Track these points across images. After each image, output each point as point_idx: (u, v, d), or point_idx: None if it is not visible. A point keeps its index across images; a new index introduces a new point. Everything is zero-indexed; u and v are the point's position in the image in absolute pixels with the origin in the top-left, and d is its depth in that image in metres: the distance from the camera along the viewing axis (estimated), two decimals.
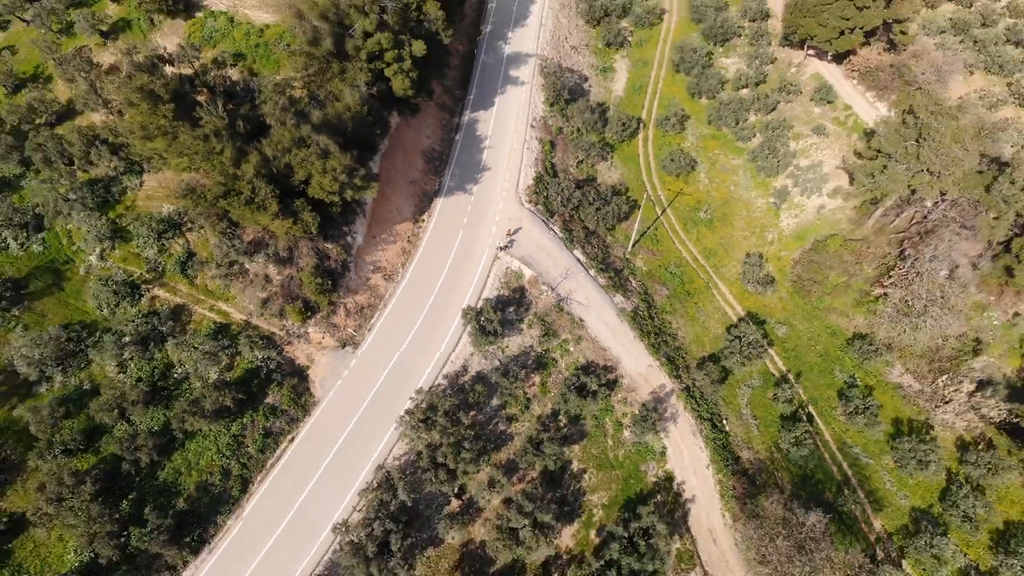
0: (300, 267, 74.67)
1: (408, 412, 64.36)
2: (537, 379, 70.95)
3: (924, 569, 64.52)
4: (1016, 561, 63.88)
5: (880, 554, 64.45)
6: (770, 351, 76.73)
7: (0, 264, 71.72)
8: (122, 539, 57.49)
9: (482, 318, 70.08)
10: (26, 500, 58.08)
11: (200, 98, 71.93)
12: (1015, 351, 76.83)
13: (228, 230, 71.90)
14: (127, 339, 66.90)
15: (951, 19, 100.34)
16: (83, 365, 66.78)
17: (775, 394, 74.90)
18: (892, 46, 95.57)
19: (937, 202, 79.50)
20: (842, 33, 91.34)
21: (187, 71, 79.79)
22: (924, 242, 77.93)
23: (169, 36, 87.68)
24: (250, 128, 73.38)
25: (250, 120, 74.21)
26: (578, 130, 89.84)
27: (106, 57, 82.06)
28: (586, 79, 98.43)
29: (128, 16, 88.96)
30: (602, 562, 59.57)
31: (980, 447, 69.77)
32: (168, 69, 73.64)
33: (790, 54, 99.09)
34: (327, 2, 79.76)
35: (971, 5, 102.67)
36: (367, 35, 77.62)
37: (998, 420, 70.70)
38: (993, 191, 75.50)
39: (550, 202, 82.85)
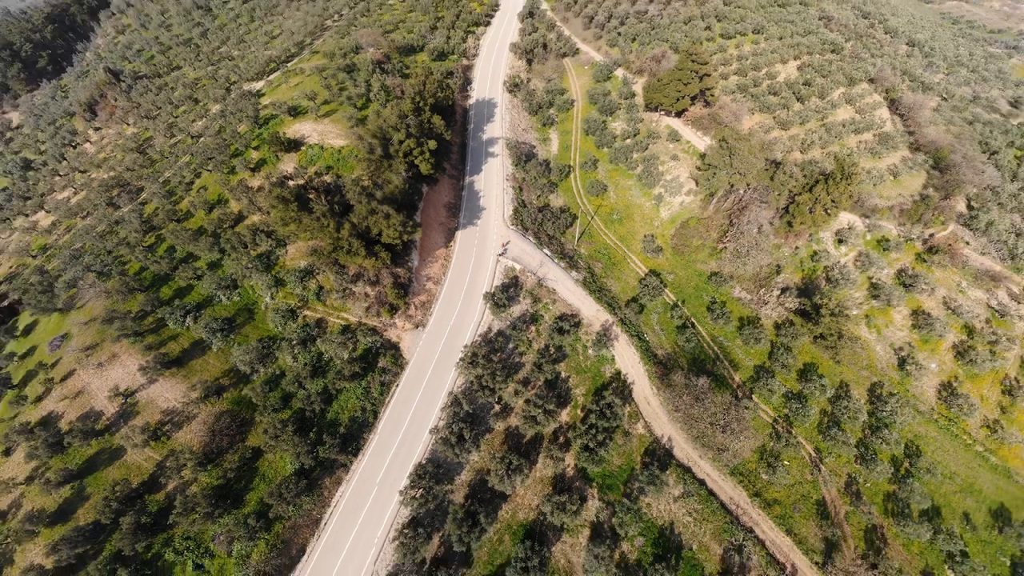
0: (384, 285, 74.77)
1: (461, 359, 65.37)
2: (533, 328, 72.33)
3: (764, 397, 67.79)
4: (811, 383, 67.27)
5: (740, 394, 67.59)
6: (665, 290, 78.35)
7: (219, 311, 72.50)
8: (314, 453, 58.79)
9: (495, 297, 71.74)
10: (258, 439, 60.53)
11: (310, 195, 72.71)
12: (798, 269, 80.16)
13: (339, 270, 72.82)
14: (294, 342, 68.19)
15: (737, 84, 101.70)
16: (273, 360, 68.00)
17: (671, 314, 76.40)
18: (707, 103, 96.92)
19: (746, 189, 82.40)
20: (677, 100, 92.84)
21: (300, 181, 79.39)
22: (742, 214, 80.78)
23: (288, 163, 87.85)
24: (341, 208, 74.81)
25: (341, 204, 75.62)
26: (534, 178, 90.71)
27: (255, 182, 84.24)
28: (534, 147, 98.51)
29: (264, 157, 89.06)
30: (586, 425, 61.30)
31: (786, 325, 72.81)
32: (290, 182, 75.91)
33: (650, 116, 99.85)
34: (375, 128, 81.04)
35: (747, 75, 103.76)
36: (400, 142, 79.46)
37: (794, 308, 74.02)
38: (775, 179, 79.28)
39: (525, 222, 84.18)
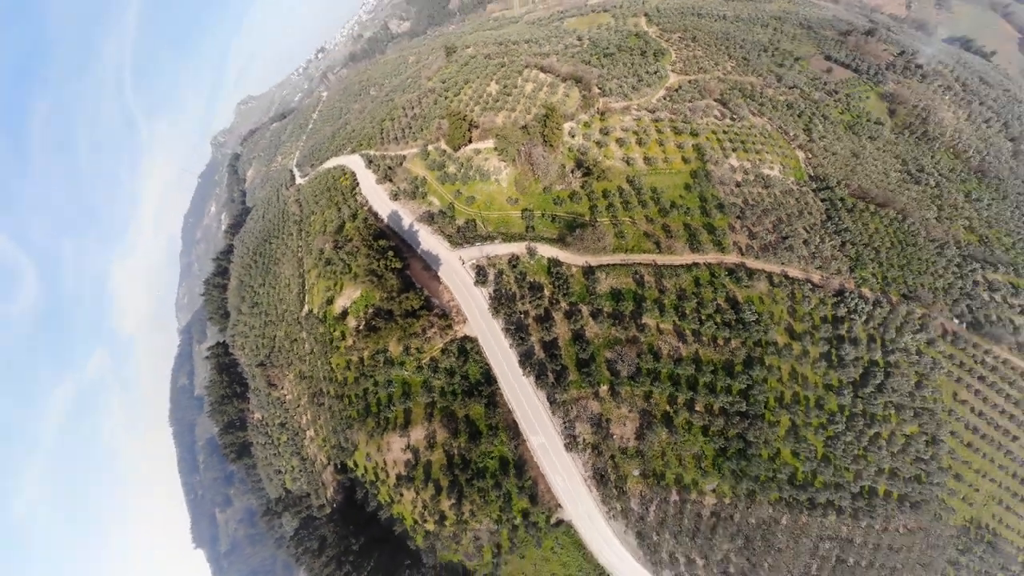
0: (435, 322, 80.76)
1: (492, 314, 75.65)
2: (504, 276, 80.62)
3: (601, 215, 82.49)
4: (610, 197, 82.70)
5: (594, 223, 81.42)
6: (534, 213, 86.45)
7: (397, 393, 76.85)
8: (483, 397, 70.87)
9: (477, 281, 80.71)
10: (462, 412, 72.27)
11: (373, 322, 79.88)
12: (569, 159, 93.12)
13: (414, 335, 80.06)
14: (432, 375, 74.95)
15: (480, 109, 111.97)
16: (433, 387, 74.32)
17: (544, 219, 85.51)
18: (477, 127, 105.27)
19: (523, 147, 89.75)
20: (463, 135, 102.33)
21: (363, 323, 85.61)
22: (531, 158, 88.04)
23: (351, 320, 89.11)
24: (388, 314, 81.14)
25: (386, 313, 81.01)
26: (441, 221, 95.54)
27: (349, 342, 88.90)
28: (430, 211, 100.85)
29: (341, 330, 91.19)
30: (557, 287, 75.22)
31: (584, 184, 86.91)
32: (359, 328, 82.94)
33: (461, 152, 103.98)
34: (362, 272, 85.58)
35: (479, 102, 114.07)
36: (378, 264, 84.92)
37: (581, 175, 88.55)
38: (529, 133, 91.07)
39: (457, 241, 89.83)
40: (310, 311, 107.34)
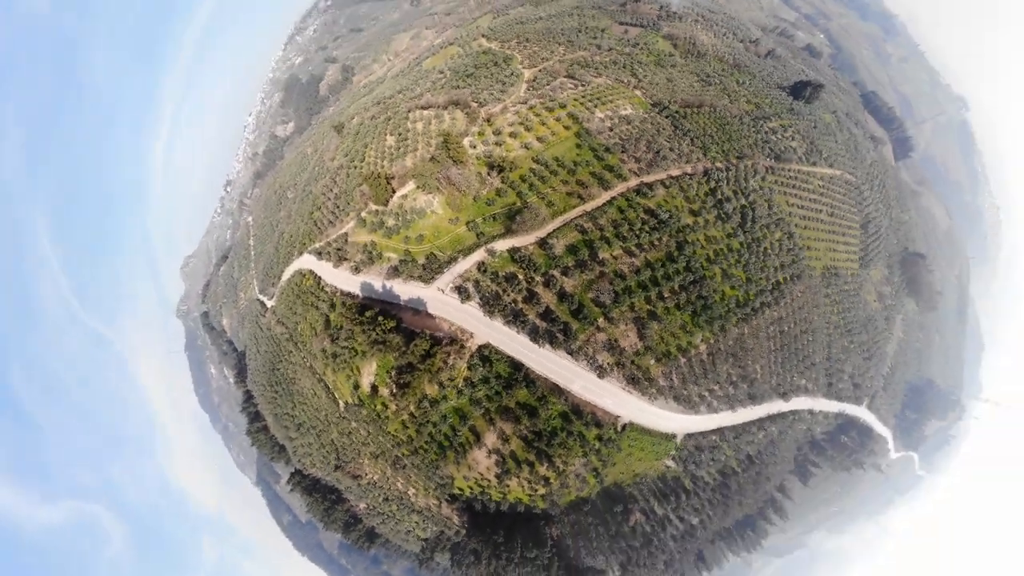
0: (450, 349, 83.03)
1: (491, 315, 79.33)
2: (482, 283, 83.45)
3: (529, 197, 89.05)
4: (527, 179, 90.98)
5: (526, 205, 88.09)
6: (476, 220, 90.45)
7: (456, 422, 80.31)
8: (521, 380, 77.52)
9: (462, 296, 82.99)
10: (512, 402, 77.69)
11: (401, 380, 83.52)
12: (482, 166, 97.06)
13: (438, 370, 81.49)
14: (472, 393, 78.94)
15: (389, 160, 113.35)
16: (480, 398, 78.97)
17: (489, 221, 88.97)
18: (394, 177, 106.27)
19: (440, 175, 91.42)
20: (385, 189, 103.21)
21: (394, 386, 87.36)
22: (451, 179, 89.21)
23: (384, 390, 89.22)
24: (410, 367, 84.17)
25: (409, 366, 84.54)
26: (406, 270, 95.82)
27: (393, 407, 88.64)
28: (391, 263, 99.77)
29: (382, 402, 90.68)
30: (525, 268, 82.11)
31: (504, 179, 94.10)
32: (392, 389, 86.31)
33: (390, 204, 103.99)
34: (365, 346, 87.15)
35: (384, 157, 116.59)
36: (375, 332, 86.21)
37: (497, 175, 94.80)
38: (438, 162, 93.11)
39: (428, 278, 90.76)
40: (347, 403, 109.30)
